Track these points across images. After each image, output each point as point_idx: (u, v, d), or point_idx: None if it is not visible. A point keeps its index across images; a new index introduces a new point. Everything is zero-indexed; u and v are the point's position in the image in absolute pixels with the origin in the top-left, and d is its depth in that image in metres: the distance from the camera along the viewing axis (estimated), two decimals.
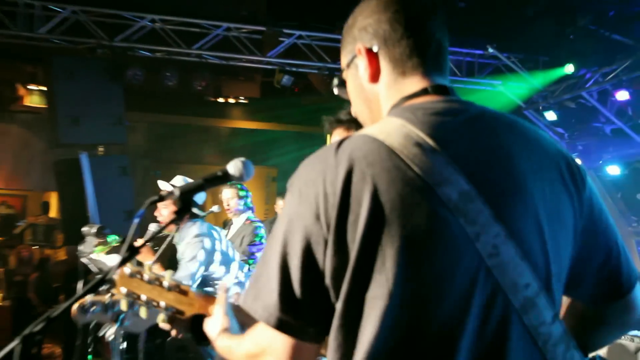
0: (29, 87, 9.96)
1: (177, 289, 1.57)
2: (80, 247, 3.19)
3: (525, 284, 1.07)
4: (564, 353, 1.12)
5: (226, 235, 4.95)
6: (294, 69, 7.95)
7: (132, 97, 7.52)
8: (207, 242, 3.89)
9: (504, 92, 8.36)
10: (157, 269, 1.57)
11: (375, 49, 1.22)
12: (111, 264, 2.89)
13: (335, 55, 7.92)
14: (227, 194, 5.15)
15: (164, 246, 4.05)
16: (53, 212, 11.06)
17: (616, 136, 7.18)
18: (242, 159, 1.52)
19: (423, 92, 1.19)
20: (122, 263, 1.37)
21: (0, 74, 9.74)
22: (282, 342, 1.09)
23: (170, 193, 1.43)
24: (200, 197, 4.18)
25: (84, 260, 3.30)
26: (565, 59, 6.96)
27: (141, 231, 8.73)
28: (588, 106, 7.12)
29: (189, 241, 3.87)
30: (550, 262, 1.12)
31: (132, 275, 1.58)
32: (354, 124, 2.18)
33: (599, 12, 6.08)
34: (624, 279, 1.24)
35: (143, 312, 1.61)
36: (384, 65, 1.22)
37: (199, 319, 1.56)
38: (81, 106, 7.07)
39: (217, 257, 3.95)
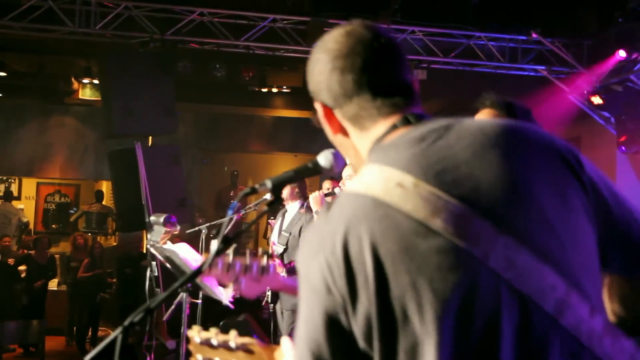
0: (82, 80, 10.32)
1: (244, 347, 1.58)
2: (149, 236, 3.36)
3: (551, 285, 1.04)
4: (612, 344, 1.08)
5: (281, 223, 5.11)
6: None
7: (178, 88, 7.75)
8: None
9: (547, 77, 8.33)
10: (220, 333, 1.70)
11: (331, 108, 1.21)
12: (181, 252, 3.06)
13: None
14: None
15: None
16: (106, 201, 11.46)
17: None
18: (332, 150, 1.52)
19: (392, 128, 1.16)
20: (217, 254, 1.41)
21: (56, 68, 10.12)
22: None
23: (262, 185, 1.46)
24: None
25: (151, 249, 3.48)
26: (613, 42, 6.91)
27: (200, 215, 8.91)
28: (636, 89, 7.08)
29: None
30: (571, 254, 1.07)
31: (202, 343, 1.62)
32: (499, 107, 2.17)
33: None
34: None
35: None
36: (345, 122, 1.21)
37: None
38: (134, 98, 7.33)
39: None
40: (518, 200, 1.07)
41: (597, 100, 7.61)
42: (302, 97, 11.38)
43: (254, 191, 1.49)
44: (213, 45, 7.76)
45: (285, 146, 11.43)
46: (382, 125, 1.18)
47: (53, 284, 9.90)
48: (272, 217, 7.32)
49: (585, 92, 7.85)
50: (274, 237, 5.27)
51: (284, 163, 11.49)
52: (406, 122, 1.17)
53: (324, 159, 1.54)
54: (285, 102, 11.62)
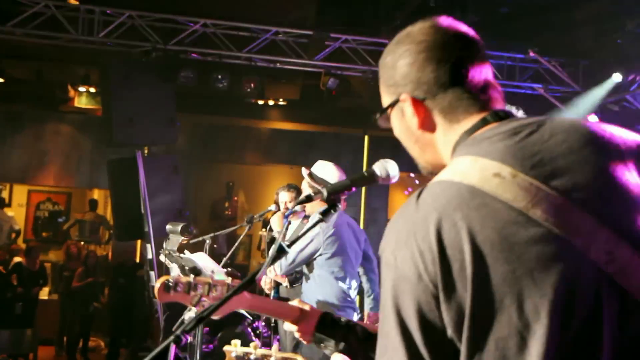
0: (79, 88, 10.29)
1: None
2: (164, 245, 3.35)
3: None
4: None
5: (284, 235, 5.12)
6: (338, 72, 8.14)
7: (176, 98, 7.76)
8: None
9: (544, 95, 8.45)
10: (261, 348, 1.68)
11: (421, 99, 1.20)
12: (200, 262, 3.06)
13: (379, 58, 8.09)
14: (285, 196, 5.30)
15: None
16: (99, 209, 11.39)
17: None
18: (388, 160, 1.58)
19: (482, 122, 1.17)
20: (272, 262, 1.45)
21: (53, 76, 10.08)
22: None
23: (318, 192, 1.51)
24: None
25: (165, 258, 3.46)
26: (610, 62, 7.04)
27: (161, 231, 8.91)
28: (632, 109, 7.20)
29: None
30: None
31: (239, 358, 1.66)
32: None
33: None
34: None
35: None
36: (435, 114, 1.20)
37: None
38: (135, 107, 7.32)
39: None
40: (614, 196, 1.06)
41: (593, 119, 7.72)
42: (298, 109, 11.44)
43: (309, 199, 1.56)
44: (215, 56, 7.79)
45: (282, 158, 11.44)
46: (473, 119, 1.18)
47: (44, 293, 9.79)
48: (263, 228, 7.32)
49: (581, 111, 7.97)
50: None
51: (280, 175, 11.49)
52: (496, 117, 1.17)
53: (379, 168, 1.58)
54: (282, 114, 11.66)
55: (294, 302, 1.80)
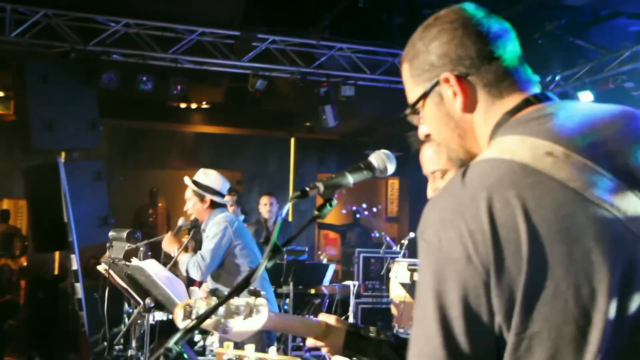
0: None
1: None
2: (108, 253, 3.15)
3: None
4: None
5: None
6: (266, 73, 8.05)
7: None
8: (230, 229, 4.22)
9: None
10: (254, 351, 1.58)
11: (465, 76, 1.16)
12: (150, 269, 2.89)
13: (307, 59, 8.07)
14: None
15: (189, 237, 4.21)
16: (12, 220, 10.74)
17: None
18: (385, 151, 1.51)
19: (525, 103, 1.14)
20: (270, 260, 1.35)
21: None
22: None
23: (314, 187, 1.43)
24: (225, 187, 4.46)
25: (105, 267, 3.26)
26: (530, 62, 7.32)
27: (85, 240, 8.53)
28: None
29: (214, 222, 4.22)
30: None
31: None
32: None
33: (568, 18, 6.46)
34: None
35: None
36: (478, 90, 1.16)
37: None
38: (54, 111, 6.95)
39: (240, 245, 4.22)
40: None
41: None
42: (223, 112, 11.25)
43: (304, 194, 1.46)
44: (138, 57, 7.51)
45: (207, 163, 11.19)
46: (514, 98, 1.15)
47: None
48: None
49: None
50: None
51: None
52: (538, 99, 1.14)
53: (376, 159, 1.52)
54: (206, 118, 11.43)
55: (320, 316, 1.72)
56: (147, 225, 10.81)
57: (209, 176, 4.49)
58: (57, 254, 9.44)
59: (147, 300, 3.07)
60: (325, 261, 8.50)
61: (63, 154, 7.83)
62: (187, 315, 1.59)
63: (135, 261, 2.97)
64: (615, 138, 1.07)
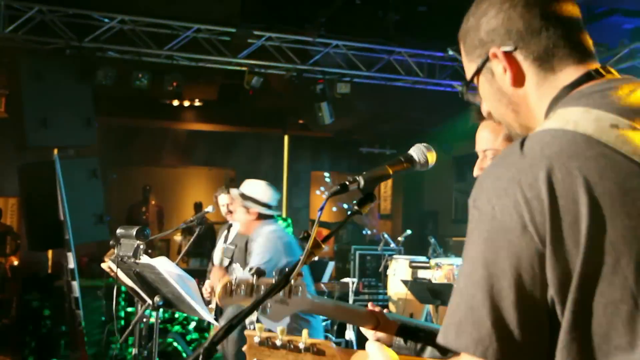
0: None
1: (314, 348, 1.48)
2: (116, 250, 3.10)
3: None
4: None
5: (226, 238, 4.96)
6: (262, 70, 8.03)
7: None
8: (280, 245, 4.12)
9: (463, 93, 8.71)
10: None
11: (513, 50, 1.13)
12: (160, 266, 2.86)
13: (303, 56, 8.06)
14: (224, 199, 5.13)
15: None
16: (4, 218, 10.63)
17: None
18: (425, 144, 1.49)
19: (587, 77, 1.10)
20: (307, 258, 1.36)
21: None
22: None
23: (354, 181, 1.40)
24: (274, 199, 4.35)
25: (108, 265, 3.21)
26: None
27: (112, 232, 8.52)
28: None
29: (263, 236, 4.12)
30: None
31: (262, 344, 1.52)
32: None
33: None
34: None
35: None
36: (528, 65, 1.13)
37: None
38: (49, 108, 6.89)
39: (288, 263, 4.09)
40: None
41: None
42: (216, 110, 11.20)
43: (344, 188, 1.42)
44: (133, 54, 7.46)
45: (200, 160, 11.17)
46: (573, 72, 1.11)
47: None
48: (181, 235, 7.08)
49: None
50: (217, 250, 5.07)
51: (198, 177, 11.22)
52: (601, 74, 1.11)
53: (417, 152, 1.49)
54: (200, 115, 11.38)
55: (370, 306, 1.72)
56: (140, 223, 10.74)
57: (255, 187, 4.37)
58: (50, 252, 9.37)
59: (156, 298, 3.04)
60: (316, 258, 8.49)
61: (56, 151, 7.78)
62: (229, 293, 1.57)
63: (145, 259, 2.93)
64: None
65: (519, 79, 1.13)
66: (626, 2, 6.86)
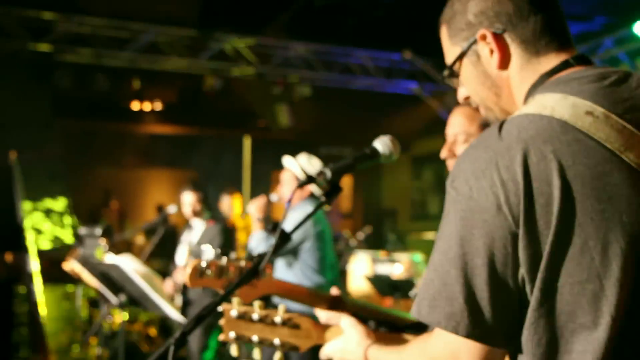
0: None
1: (291, 322, 1.48)
2: (81, 250, 3.13)
3: None
4: None
5: (190, 240, 4.98)
6: (223, 73, 8.09)
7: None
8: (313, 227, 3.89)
9: (419, 94, 8.94)
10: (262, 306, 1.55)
11: (501, 32, 1.15)
12: (124, 265, 2.90)
13: (263, 58, 8.13)
14: (190, 197, 5.13)
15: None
16: None
17: None
18: (390, 136, 1.50)
19: (565, 64, 1.13)
20: (276, 250, 1.37)
21: None
22: (473, 350, 1.02)
23: (321, 173, 1.41)
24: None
25: (72, 265, 3.25)
26: None
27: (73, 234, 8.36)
28: None
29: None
30: None
31: (240, 317, 1.52)
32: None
33: None
34: None
35: (257, 354, 1.54)
36: (514, 47, 1.15)
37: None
38: (5, 110, 6.82)
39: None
40: None
41: None
42: (177, 112, 11.18)
43: (311, 180, 1.44)
44: (92, 57, 7.42)
45: (161, 162, 11.13)
46: (552, 59, 1.14)
47: None
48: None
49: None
50: (181, 252, 5.09)
51: (159, 179, 11.17)
52: (579, 61, 1.13)
53: (381, 144, 1.50)
54: (160, 117, 11.33)
55: (333, 290, 1.70)
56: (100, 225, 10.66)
57: (313, 165, 4.08)
58: (8, 256, 9.20)
59: (121, 297, 3.09)
60: None
61: (15, 154, 7.68)
62: (199, 274, 1.57)
63: (110, 258, 2.98)
64: None
65: (504, 62, 1.16)
66: (572, 5, 7.12)
